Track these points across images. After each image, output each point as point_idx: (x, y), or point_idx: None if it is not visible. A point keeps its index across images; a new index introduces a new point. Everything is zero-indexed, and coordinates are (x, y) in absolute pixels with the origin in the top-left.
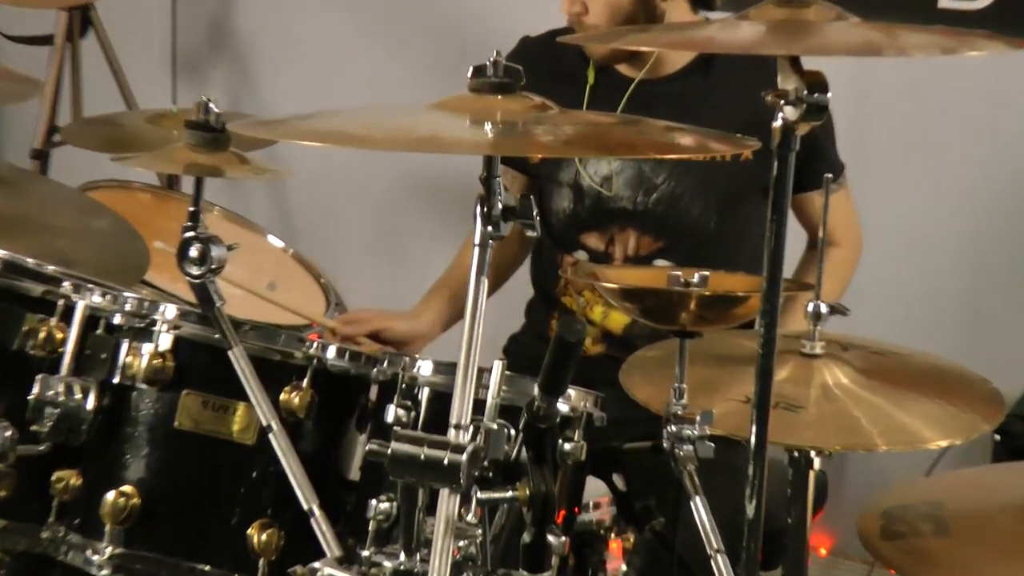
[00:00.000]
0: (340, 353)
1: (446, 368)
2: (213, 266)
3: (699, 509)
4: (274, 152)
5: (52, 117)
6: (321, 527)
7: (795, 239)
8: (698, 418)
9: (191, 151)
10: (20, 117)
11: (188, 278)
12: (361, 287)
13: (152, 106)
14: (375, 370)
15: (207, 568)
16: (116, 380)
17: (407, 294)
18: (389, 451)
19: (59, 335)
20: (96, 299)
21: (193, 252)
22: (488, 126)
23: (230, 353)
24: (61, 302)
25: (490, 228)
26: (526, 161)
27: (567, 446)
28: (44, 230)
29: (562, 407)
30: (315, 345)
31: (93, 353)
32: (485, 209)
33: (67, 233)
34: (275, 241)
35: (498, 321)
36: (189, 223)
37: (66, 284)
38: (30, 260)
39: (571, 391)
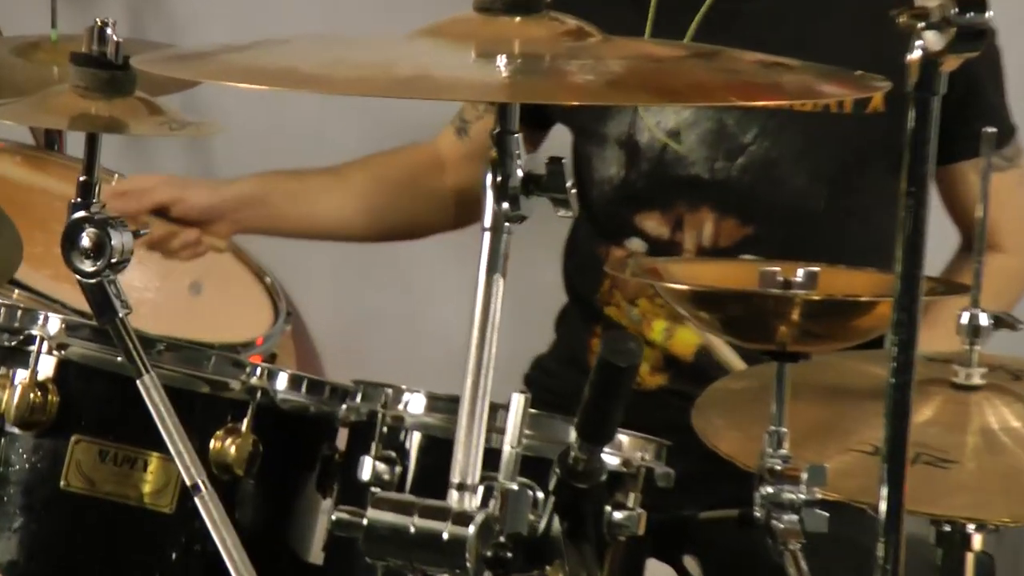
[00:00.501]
0: (295, 383)
1: (445, 404)
2: (114, 259)
3: None
4: (196, 99)
5: None
6: None
7: (942, 238)
8: (804, 476)
9: (79, 96)
10: None
11: (78, 276)
12: (321, 289)
13: (22, 32)
14: (344, 407)
15: None
16: None
17: (387, 300)
18: (364, 522)
19: None
20: None
21: (85, 240)
22: (501, 61)
23: (139, 383)
24: None
25: (505, 205)
26: (550, 108)
27: (618, 515)
28: None
29: (610, 459)
30: (259, 371)
31: None
32: (498, 178)
33: None
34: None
35: (517, 337)
36: (79, 199)
37: None
38: None
39: (622, 437)
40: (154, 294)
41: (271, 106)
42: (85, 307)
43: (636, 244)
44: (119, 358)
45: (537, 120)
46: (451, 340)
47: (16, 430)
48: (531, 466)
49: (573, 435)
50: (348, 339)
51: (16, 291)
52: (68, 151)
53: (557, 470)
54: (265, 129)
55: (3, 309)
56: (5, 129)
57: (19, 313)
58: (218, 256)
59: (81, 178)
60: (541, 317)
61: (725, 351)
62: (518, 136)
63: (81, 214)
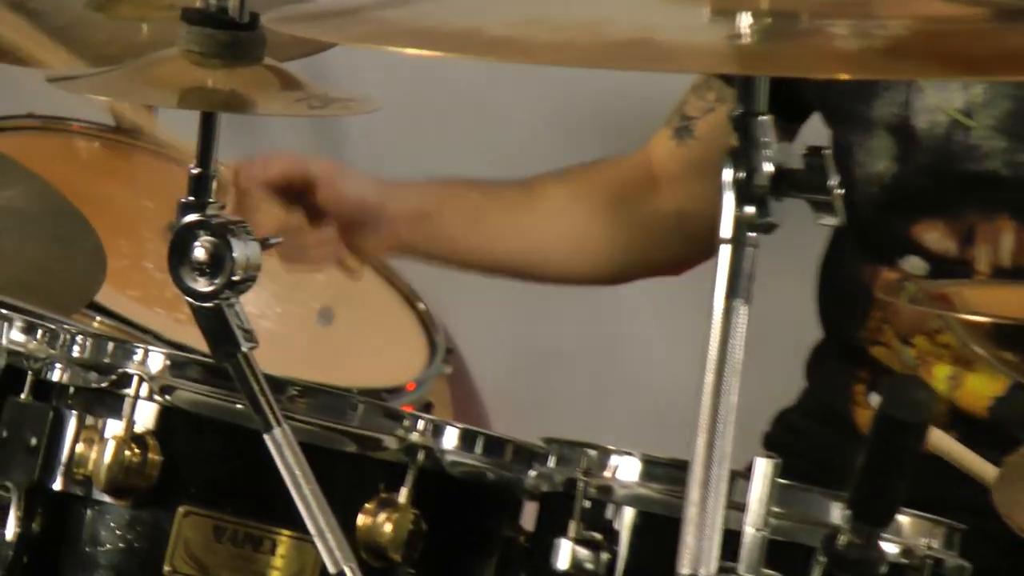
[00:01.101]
0: (468, 440)
1: (667, 470)
2: (236, 276)
3: None
4: (331, 67)
5: None
6: None
7: None
8: None
9: (192, 64)
10: None
11: (190, 299)
12: (487, 319)
13: None
14: (532, 473)
15: None
16: (56, 486)
17: (573, 334)
18: None
19: None
20: (15, 336)
21: (199, 251)
22: (744, 21)
23: (267, 438)
24: None
25: (750, 209)
26: (805, 88)
27: None
28: None
29: (889, 547)
30: (422, 425)
31: (13, 436)
32: (742, 174)
33: None
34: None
35: (754, 384)
36: (192, 197)
37: None
38: None
39: (903, 518)
40: (273, 323)
41: (430, 79)
42: (187, 339)
43: (914, 264)
44: (240, 405)
45: (789, 106)
46: (659, 385)
47: (107, 498)
48: (784, 554)
49: (839, 513)
50: (522, 384)
51: (97, 317)
52: (161, 135)
53: (821, 559)
54: (420, 111)
55: (89, 340)
56: (74, 105)
57: (110, 346)
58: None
59: (194, 170)
60: (786, 358)
61: (967, 456)
62: (765, 119)
63: (194, 217)
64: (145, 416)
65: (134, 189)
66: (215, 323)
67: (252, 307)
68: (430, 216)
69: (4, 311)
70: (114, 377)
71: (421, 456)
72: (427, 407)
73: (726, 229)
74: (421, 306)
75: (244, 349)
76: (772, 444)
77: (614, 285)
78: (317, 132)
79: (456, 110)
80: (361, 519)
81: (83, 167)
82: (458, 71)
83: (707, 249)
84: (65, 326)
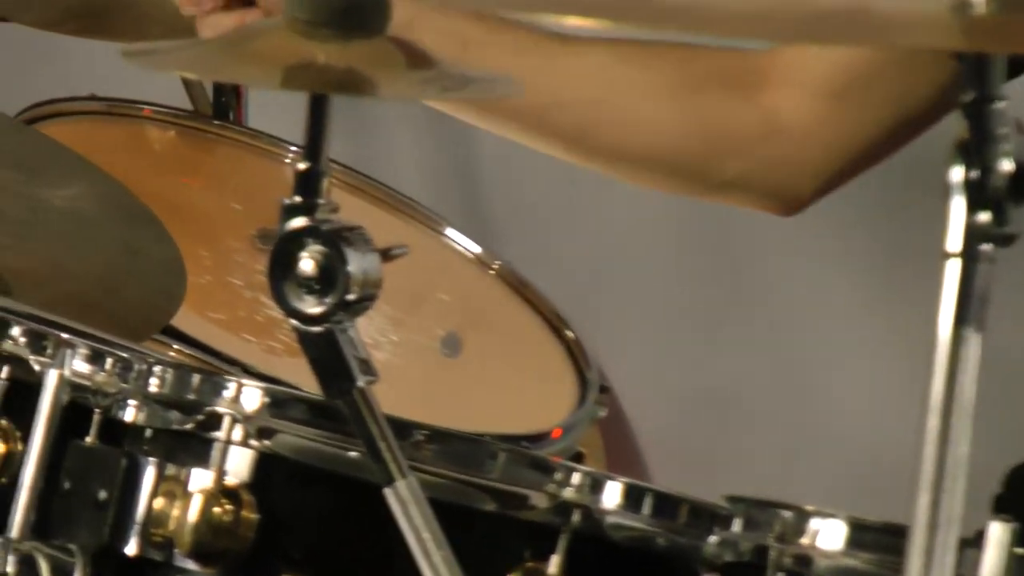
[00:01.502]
0: (633, 498)
1: (877, 535)
2: (351, 295)
3: None
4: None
5: None
6: None
7: None
8: None
9: (299, 36)
10: None
11: (295, 323)
12: (654, 351)
13: None
14: (713, 539)
15: None
16: (130, 549)
17: (753, 370)
18: None
19: (11, 445)
20: (79, 366)
21: (307, 264)
22: None
23: (387, 493)
24: (5, 371)
25: (984, 216)
26: None
27: None
28: None
29: None
30: (577, 478)
31: (78, 488)
32: (975, 173)
33: (7, 220)
34: (462, 244)
35: (990, 430)
36: (298, 197)
37: (16, 332)
38: None
39: None
40: (389, 353)
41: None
42: (282, 372)
43: None
44: (354, 453)
45: None
46: (862, 434)
47: (192, 565)
48: None
49: None
50: (692, 432)
51: (174, 345)
52: (250, 121)
53: None
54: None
55: (170, 372)
56: (145, 85)
57: (196, 379)
58: (488, 289)
59: (301, 165)
60: (1018, 401)
61: None
62: (1002, 106)
63: (301, 222)
64: (238, 465)
65: (219, 188)
66: (325, 352)
67: (364, 334)
68: (466, 44)
69: (65, 336)
70: (201, 417)
71: (576, 517)
72: (577, 458)
73: (954, 241)
74: (569, 334)
75: (361, 384)
76: (1006, 504)
77: (698, 191)
78: (446, 120)
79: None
80: None
81: (156, 161)
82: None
83: (825, 185)
84: (140, 354)
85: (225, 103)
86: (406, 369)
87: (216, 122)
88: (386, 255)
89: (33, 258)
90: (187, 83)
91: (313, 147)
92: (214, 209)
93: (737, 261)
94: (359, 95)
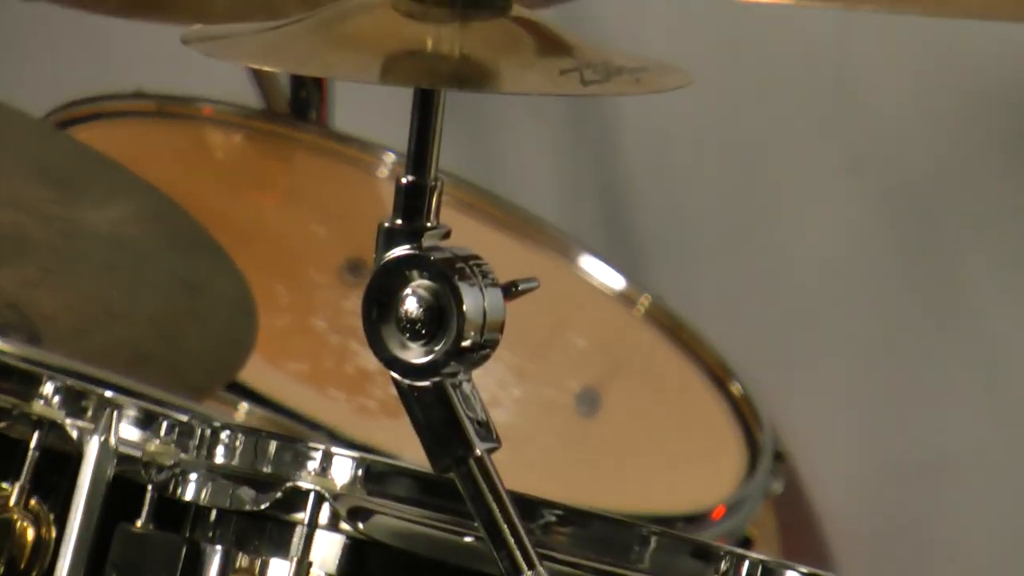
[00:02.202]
0: None
1: None
2: (467, 341)
3: None
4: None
5: None
6: None
7: None
8: None
9: (403, 17)
10: None
11: (396, 376)
12: (837, 408)
13: None
14: None
15: None
16: None
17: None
18: None
19: (41, 531)
20: (127, 432)
21: (411, 303)
22: None
23: None
24: (36, 437)
25: None
26: None
27: None
28: None
29: None
30: (745, 568)
31: None
32: None
33: (26, 250)
34: (603, 275)
35: None
36: (399, 220)
37: (48, 390)
38: None
39: None
40: (511, 413)
41: (727, 39)
42: (379, 438)
43: None
44: (470, 538)
45: None
46: None
47: None
48: None
49: None
50: (885, 509)
51: (244, 403)
52: (336, 122)
53: None
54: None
55: (240, 438)
56: (205, 78)
57: (272, 447)
58: (633, 337)
59: (405, 178)
60: None
61: None
62: None
63: (404, 252)
64: (326, 554)
65: (296, 206)
66: (434, 412)
67: (483, 389)
68: None
69: (110, 394)
70: (279, 495)
71: None
72: (745, 543)
73: None
74: (736, 387)
75: (479, 452)
76: None
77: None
78: (585, 120)
79: (787, 85)
80: None
81: (219, 172)
82: (792, 27)
83: None
84: (202, 417)
85: (305, 99)
86: (534, 432)
87: (294, 123)
88: (510, 291)
89: (69, 296)
90: (258, 75)
91: (419, 155)
92: (292, 233)
93: (948, 298)
94: (477, 89)
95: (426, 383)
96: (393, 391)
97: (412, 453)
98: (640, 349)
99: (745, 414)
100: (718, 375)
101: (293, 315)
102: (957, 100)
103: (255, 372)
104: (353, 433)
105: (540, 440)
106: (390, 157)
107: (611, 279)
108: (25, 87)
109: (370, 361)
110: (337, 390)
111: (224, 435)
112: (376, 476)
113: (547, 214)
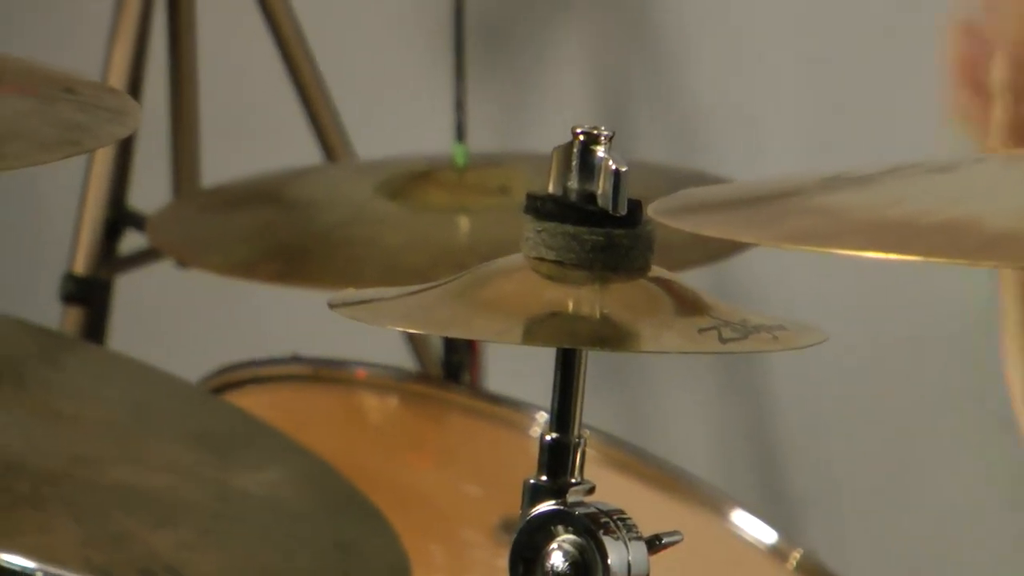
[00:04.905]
0: None
1: None
2: None
3: None
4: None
5: (122, 182)
6: None
7: None
8: None
9: (543, 279)
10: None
11: None
12: None
13: (396, 149)
14: None
15: None
16: None
17: None
18: None
19: None
20: None
21: (558, 558)
22: None
23: None
24: None
25: None
26: None
27: None
28: (114, 498)
29: None
30: None
31: None
32: None
33: (182, 513)
34: (754, 531)
35: None
36: (544, 477)
37: None
38: None
39: None
40: None
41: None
42: None
43: None
44: None
45: None
46: None
47: None
48: None
49: None
50: None
51: None
52: (489, 385)
53: None
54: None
55: None
56: (358, 343)
57: None
58: None
59: (549, 436)
60: None
61: None
62: None
63: (548, 507)
64: None
65: (450, 467)
66: None
67: None
68: None
69: None
70: None
71: None
72: None
73: None
74: None
75: None
76: None
77: None
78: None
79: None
80: None
81: (374, 436)
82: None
83: None
84: None
85: (457, 362)
86: None
87: (447, 386)
88: (655, 544)
89: (224, 558)
90: (411, 339)
91: (562, 413)
92: (445, 493)
93: None
94: (617, 349)
95: None
96: None
97: None
98: None
99: None
100: None
101: (448, 574)
102: None
103: None
104: None
105: None
106: (542, 416)
107: (763, 534)
108: (181, 354)
109: None
110: None
111: None
112: None
113: (697, 470)
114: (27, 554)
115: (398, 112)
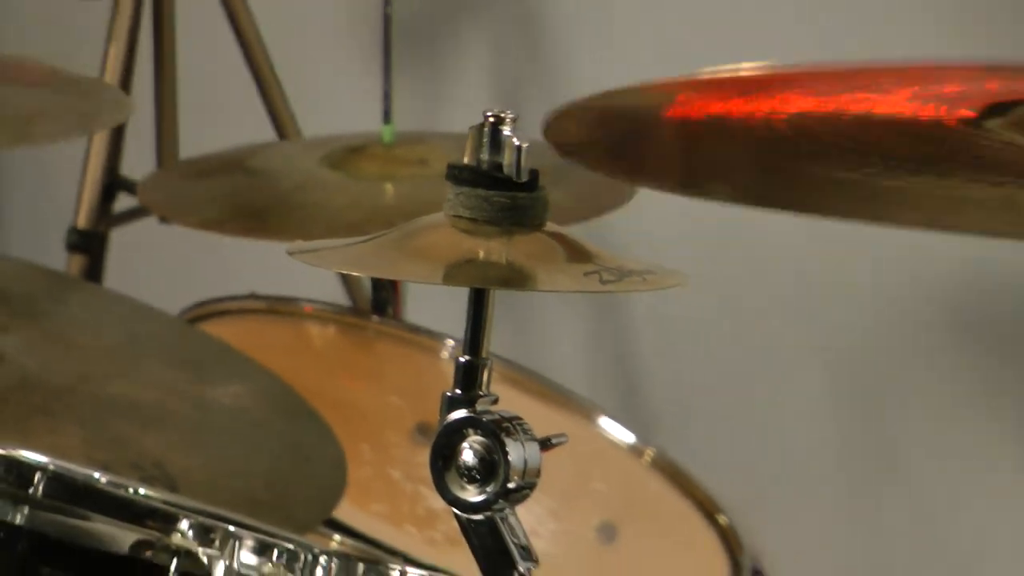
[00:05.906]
0: None
1: None
2: (511, 484)
3: None
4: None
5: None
6: None
7: None
8: None
9: (460, 233)
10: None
11: (458, 512)
12: (809, 531)
13: (330, 128)
14: None
15: None
16: None
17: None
18: None
19: None
20: (246, 557)
21: (468, 455)
22: None
23: None
24: (175, 563)
25: None
26: None
27: None
28: (112, 408)
29: None
30: None
31: None
32: None
33: (167, 419)
34: (617, 432)
35: None
36: (458, 390)
37: (184, 526)
38: (100, 477)
39: None
40: (548, 542)
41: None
42: (441, 562)
43: None
44: None
45: None
46: None
47: None
48: None
49: None
50: None
51: (336, 536)
52: (409, 316)
53: None
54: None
55: (335, 562)
56: (313, 282)
57: (360, 569)
58: (641, 478)
59: (462, 358)
60: None
61: None
62: None
63: (462, 414)
64: None
65: (378, 384)
66: (487, 539)
67: (524, 523)
68: None
69: (233, 528)
70: None
71: None
72: None
73: None
74: (723, 519)
75: (521, 570)
76: None
77: None
78: (605, 311)
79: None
80: None
81: (317, 358)
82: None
83: None
84: (305, 545)
85: (384, 299)
86: (565, 558)
87: (375, 318)
88: (546, 444)
89: (200, 456)
90: (346, 279)
91: (474, 339)
92: (374, 404)
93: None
94: (519, 288)
95: (480, 517)
96: (455, 525)
97: (471, 574)
98: (648, 491)
99: (730, 541)
100: (709, 510)
101: (375, 468)
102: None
103: (345, 512)
104: (423, 559)
105: (569, 565)
106: (450, 343)
107: (624, 435)
108: (164, 293)
109: (437, 502)
110: (411, 526)
111: (322, 559)
112: None
113: (574, 386)
114: (41, 452)
115: (337, 99)
